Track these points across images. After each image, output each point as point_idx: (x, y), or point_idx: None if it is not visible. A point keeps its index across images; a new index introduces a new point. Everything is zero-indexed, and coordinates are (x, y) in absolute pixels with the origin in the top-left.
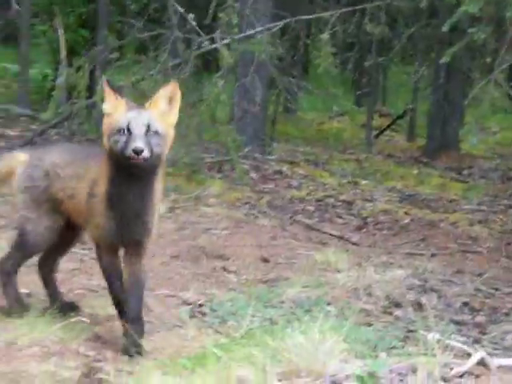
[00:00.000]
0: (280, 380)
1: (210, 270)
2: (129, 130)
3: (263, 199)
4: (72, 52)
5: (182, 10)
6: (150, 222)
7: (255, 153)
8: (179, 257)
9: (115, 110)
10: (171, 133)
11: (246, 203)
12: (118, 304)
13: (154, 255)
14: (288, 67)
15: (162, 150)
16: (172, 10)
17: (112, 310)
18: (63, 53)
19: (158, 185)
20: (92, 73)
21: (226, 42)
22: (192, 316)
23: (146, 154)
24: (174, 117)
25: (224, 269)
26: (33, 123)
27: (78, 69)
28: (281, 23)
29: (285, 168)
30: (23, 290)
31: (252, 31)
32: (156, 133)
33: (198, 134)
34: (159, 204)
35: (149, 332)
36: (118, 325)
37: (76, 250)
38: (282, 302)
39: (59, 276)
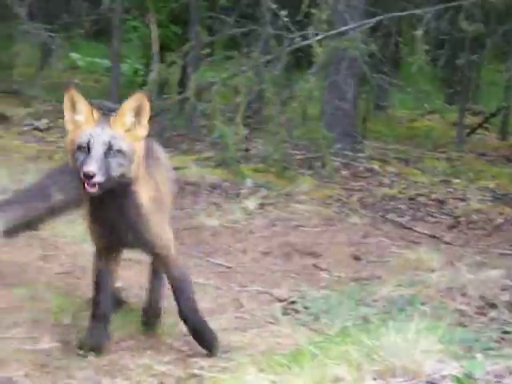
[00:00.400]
0: (375, 379)
1: (301, 267)
2: (88, 148)
3: (354, 197)
4: (163, 47)
5: (274, 6)
6: (146, 232)
7: (345, 150)
8: (270, 253)
9: (83, 123)
10: (139, 148)
11: (337, 200)
12: (93, 302)
13: (245, 251)
14: (379, 64)
15: (125, 170)
16: (265, 7)
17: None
18: (155, 48)
19: (146, 193)
20: (184, 68)
21: (319, 38)
22: (285, 313)
23: (98, 178)
24: (142, 130)
25: (315, 266)
26: None
27: (171, 64)
28: (374, 20)
29: (376, 166)
30: (118, 284)
31: (345, 28)
32: (119, 151)
33: (288, 130)
34: (161, 208)
35: (241, 328)
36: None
37: None
38: (375, 301)
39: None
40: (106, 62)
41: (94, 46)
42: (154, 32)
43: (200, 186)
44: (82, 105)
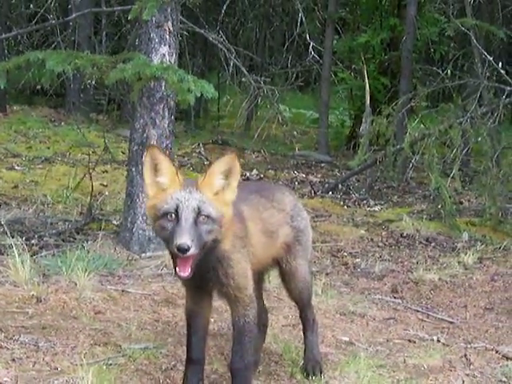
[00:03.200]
0: None
1: None
2: (177, 215)
3: None
4: (371, 99)
5: (490, 58)
6: (223, 270)
7: None
8: (493, 309)
9: (167, 186)
10: (228, 213)
11: None
12: (187, 346)
13: (466, 306)
14: None
15: (215, 236)
16: (479, 58)
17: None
18: (367, 100)
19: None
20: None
21: None
22: None
23: (192, 251)
24: (231, 194)
25: None
26: (333, 169)
27: (386, 116)
28: None
29: None
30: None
31: None
32: (208, 217)
33: (503, 183)
34: (242, 248)
35: None
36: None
37: (387, 298)
38: None
39: (374, 324)
40: (313, 113)
41: (299, 98)
42: (366, 84)
43: (415, 239)
44: (166, 166)
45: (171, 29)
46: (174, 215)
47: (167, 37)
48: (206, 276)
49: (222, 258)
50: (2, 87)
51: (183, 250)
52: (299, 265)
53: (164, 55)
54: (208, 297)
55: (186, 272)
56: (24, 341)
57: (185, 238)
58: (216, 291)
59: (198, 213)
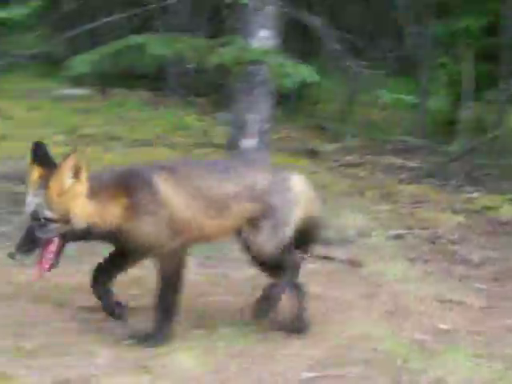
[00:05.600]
0: None
1: None
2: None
3: None
4: (471, 85)
5: None
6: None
7: None
8: None
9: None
10: (78, 204)
11: None
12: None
13: None
14: None
15: (62, 229)
16: None
17: None
18: (467, 86)
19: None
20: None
21: None
22: None
23: (17, 257)
24: (81, 187)
25: None
26: (431, 155)
27: (487, 102)
28: None
29: None
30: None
31: None
32: (46, 220)
33: None
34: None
35: None
36: None
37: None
38: None
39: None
40: (412, 99)
41: (399, 83)
42: (467, 69)
43: None
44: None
45: (271, 12)
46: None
47: (267, 20)
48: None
49: (126, 231)
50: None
51: (11, 255)
52: (262, 241)
53: (263, 39)
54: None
55: (42, 273)
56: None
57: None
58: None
59: (34, 217)
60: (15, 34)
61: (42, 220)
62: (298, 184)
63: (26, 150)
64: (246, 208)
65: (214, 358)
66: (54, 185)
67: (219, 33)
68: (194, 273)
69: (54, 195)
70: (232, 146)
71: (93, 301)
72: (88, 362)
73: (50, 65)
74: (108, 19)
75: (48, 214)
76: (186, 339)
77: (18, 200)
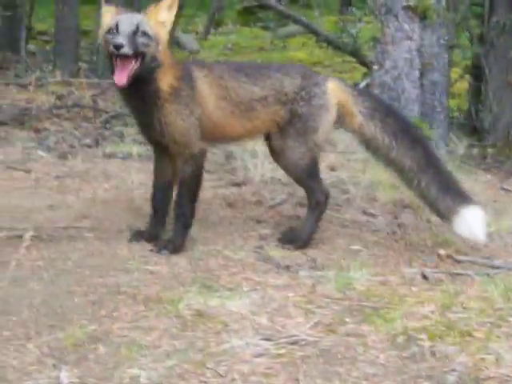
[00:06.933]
0: None
1: None
2: (117, 29)
3: None
4: None
5: None
6: (164, 119)
7: None
8: None
9: (108, 15)
10: (163, 35)
11: None
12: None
13: None
14: None
15: (149, 50)
16: None
17: None
18: None
19: (167, 80)
20: None
21: None
22: None
23: (125, 50)
24: (169, 22)
25: None
26: None
27: None
28: None
29: None
30: None
31: None
32: (144, 33)
33: None
34: (187, 105)
35: None
36: None
37: None
38: None
39: None
40: None
41: None
42: None
43: None
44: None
45: None
46: (114, 30)
47: None
48: (147, 122)
49: (161, 105)
50: None
51: (118, 46)
52: (289, 147)
53: None
54: (167, 157)
55: (123, 80)
56: None
57: (120, 39)
58: (162, 145)
59: (136, 28)
60: None
61: (141, 32)
62: (333, 90)
63: None
64: (272, 111)
65: None
66: (152, 12)
67: None
68: None
69: (152, 20)
70: None
71: None
72: None
73: None
74: None
75: (148, 29)
76: None
77: None
